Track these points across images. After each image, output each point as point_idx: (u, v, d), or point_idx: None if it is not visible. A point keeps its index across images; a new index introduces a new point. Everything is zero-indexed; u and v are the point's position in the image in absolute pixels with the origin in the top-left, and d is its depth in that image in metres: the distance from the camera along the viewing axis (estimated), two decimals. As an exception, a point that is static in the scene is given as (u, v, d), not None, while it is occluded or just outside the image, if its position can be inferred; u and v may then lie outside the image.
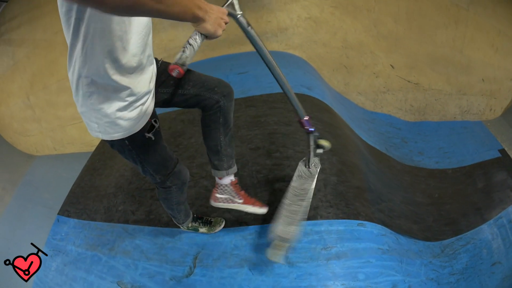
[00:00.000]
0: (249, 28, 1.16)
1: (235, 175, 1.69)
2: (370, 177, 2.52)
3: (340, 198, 2.00)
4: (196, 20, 0.95)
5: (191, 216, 1.88)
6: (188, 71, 1.38)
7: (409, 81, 3.89)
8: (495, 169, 3.07)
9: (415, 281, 1.92)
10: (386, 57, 3.81)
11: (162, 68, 1.32)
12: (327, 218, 1.85)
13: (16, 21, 4.31)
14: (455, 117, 3.92)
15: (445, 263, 2.20)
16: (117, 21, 0.96)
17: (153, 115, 1.27)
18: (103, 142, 2.88)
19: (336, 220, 1.86)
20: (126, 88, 1.10)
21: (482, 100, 3.89)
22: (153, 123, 1.26)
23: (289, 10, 3.76)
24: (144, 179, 2.43)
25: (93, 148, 3.29)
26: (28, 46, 4.26)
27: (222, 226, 1.91)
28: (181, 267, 1.84)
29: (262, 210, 1.80)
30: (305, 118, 1.55)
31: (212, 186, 1.91)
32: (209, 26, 0.97)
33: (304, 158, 1.81)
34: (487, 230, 2.49)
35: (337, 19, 3.72)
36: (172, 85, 1.35)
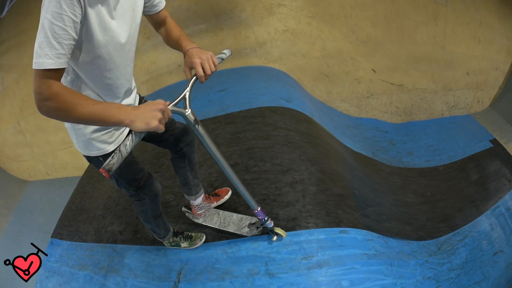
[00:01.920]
0: (197, 126, 1.23)
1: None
2: (355, 183, 2.51)
3: (320, 207, 1.99)
4: (122, 125, 0.99)
5: (171, 230, 1.98)
6: None
7: (392, 84, 3.87)
8: (488, 160, 3.04)
9: (409, 282, 1.90)
10: (367, 62, 3.81)
11: None
12: (307, 228, 1.84)
13: (4, 46, 4.33)
14: (442, 114, 3.90)
15: (443, 260, 2.18)
16: (103, 62, 1.11)
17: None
18: (91, 166, 2.90)
19: (316, 229, 1.85)
20: None
21: (468, 94, 3.87)
22: None
23: (266, 24, 3.76)
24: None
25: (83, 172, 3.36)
26: (16, 72, 4.26)
27: (203, 240, 1.98)
28: (166, 282, 1.90)
29: (228, 194, 2.17)
30: (257, 210, 1.67)
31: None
32: (138, 124, 0.97)
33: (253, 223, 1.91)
34: (485, 221, 2.47)
35: (314, 29, 3.73)
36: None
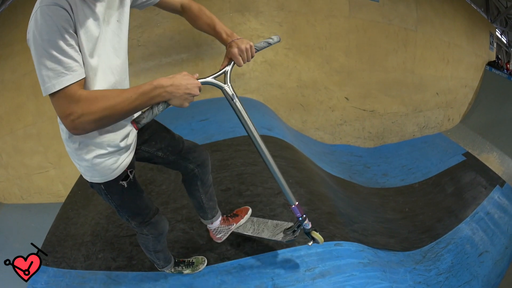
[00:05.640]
0: (234, 101, 1.24)
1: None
2: (339, 203, 2.64)
3: (314, 224, 2.04)
4: (162, 101, 0.96)
5: (173, 261, 1.86)
6: (170, 135, 1.48)
7: (364, 110, 4.07)
8: (462, 172, 3.27)
9: (403, 286, 2.06)
10: (340, 91, 3.99)
11: (145, 126, 1.36)
12: (305, 243, 1.91)
13: None
14: (414, 135, 4.13)
15: (429, 266, 2.34)
16: (100, 77, 1.04)
17: (131, 165, 1.31)
18: (74, 191, 2.80)
19: (314, 243, 1.93)
20: (105, 137, 1.15)
21: (439, 113, 4.13)
22: (128, 173, 1.30)
23: None
24: (121, 226, 2.39)
25: (61, 199, 3.19)
26: None
27: (205, 264, 1.90)
28: (170, 309, 1.79)
29: (249, 214, 2.01)
30: (294, 205, 1.54)
31: (189, 228, 2.16)
32: (175, 102, 0.98)
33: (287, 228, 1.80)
34: (465, 228, 2.68)
35: (291, 60, 3.89)
36: (154, 147, 1.44)
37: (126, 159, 1.28)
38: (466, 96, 4.29)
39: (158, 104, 0.96)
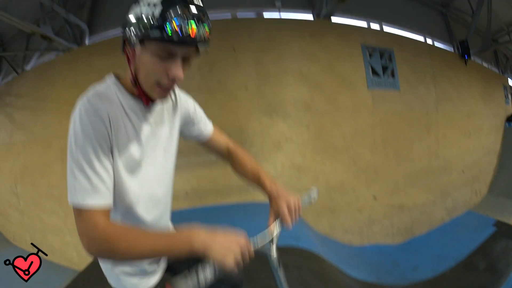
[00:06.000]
0: (279, 271, 1.07)
1: None
2: None
3: None
4: (194, 253, 0.82)
5: None
6: None
7: (392, 206, 3.97)
8: (494, 244, 3.17)
9: None
10: (367, 190, 3.91)
11: None
12: None
13: (21, 100, 4.34)
14: (442, 220, 4.03)
15: None
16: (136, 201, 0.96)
17: (161, 281, 1.22)
18: (90, 268, 2.82)
19: None
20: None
21: (466, 190, 4.01)
22: None
23: (273, 160, 3.81)
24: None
25: (73, 266, 3.18)
26: (26, 135, 4.24)
27: None
28: None
29: None
30: None
31: None
32: (215, 255, 0.81)
33: None
34: None
35: (318, 163, 3.84)
36: (185, 264, 1.32)
37: (154, 280, 1.20)
38: (490, 163, 4.19)
39: (204, 268, 0.80)
